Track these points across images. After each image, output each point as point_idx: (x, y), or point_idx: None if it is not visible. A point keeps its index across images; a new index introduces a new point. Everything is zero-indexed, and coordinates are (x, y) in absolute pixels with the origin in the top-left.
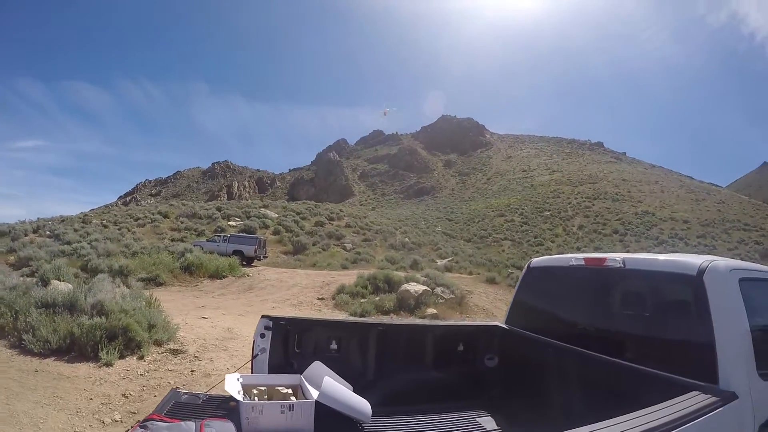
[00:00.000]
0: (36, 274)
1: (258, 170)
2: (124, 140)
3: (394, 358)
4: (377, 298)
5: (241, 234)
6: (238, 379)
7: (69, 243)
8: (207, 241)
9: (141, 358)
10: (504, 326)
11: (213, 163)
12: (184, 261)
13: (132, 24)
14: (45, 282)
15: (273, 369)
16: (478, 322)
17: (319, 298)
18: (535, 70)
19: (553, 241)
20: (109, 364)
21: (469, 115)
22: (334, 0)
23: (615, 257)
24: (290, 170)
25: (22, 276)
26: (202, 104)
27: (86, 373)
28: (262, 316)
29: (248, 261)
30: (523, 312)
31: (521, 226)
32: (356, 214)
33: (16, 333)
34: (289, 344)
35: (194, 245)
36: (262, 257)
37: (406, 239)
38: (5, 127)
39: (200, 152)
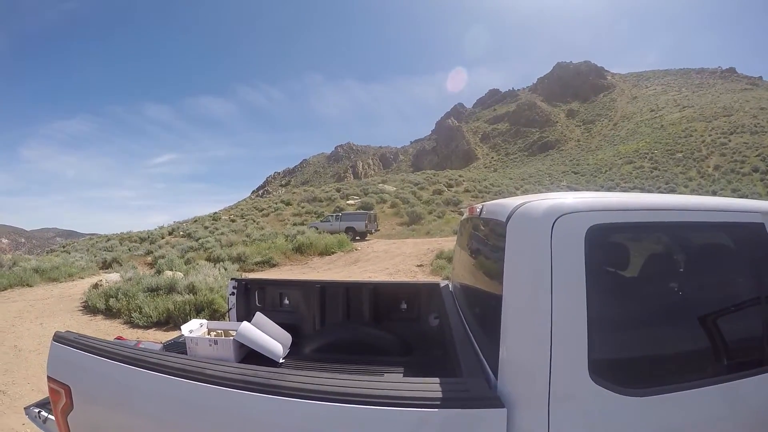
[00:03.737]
0: (154, 267)
1: (380, 147)
2: (251, 140)
3: (336, 313)
4: None
5: (352, 212)
6: (201, 324)
7: (198, 239)
8: (321, 221)
9: None
10: (443, 284)
11: (336, 147)
12: (296, 242)
13: (240, 34)
14: (159, 273)
15: (240, 319)
16: (420, 281)
17: (418, 266)
18: None
19: (686, 186)
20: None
21: (586, 59)
22: None
23: (481, 205)
24: (411, 142)
25: (155, 273)
26: (318, 94)
27: None
28: (231, 279)
29: (361, 236)
30: (453, 269)
31: (651, 172)
32: (476, 178)
33: (128, 312)
34: (251, 300)
35: (310, 226)
36: (373, 231)
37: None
38: (142, 149)
39: (323, 138)
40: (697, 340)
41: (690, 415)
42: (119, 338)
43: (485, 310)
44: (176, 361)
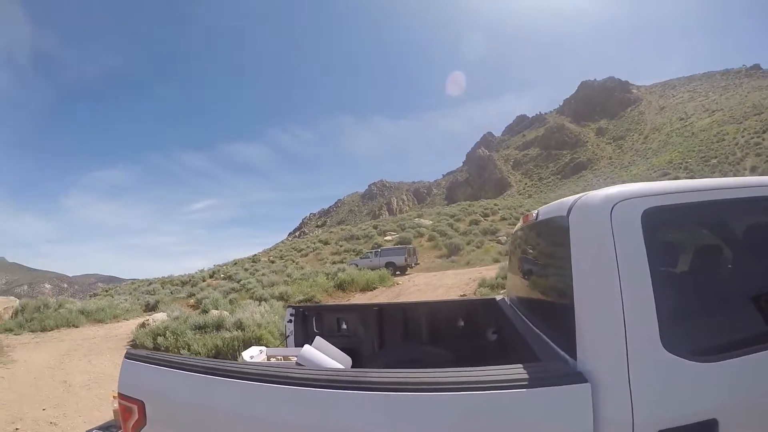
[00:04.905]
0: (200, 307)
1: (413, 182)
2: (285, 183)
3: (394, 334)
4: None
5: (391, 247)
6: (261, 351)
7: (239, 281)
8: (361, 258)
9: None
10: (499, 299)
11: (369, 185)
12: (337, 279)
13: (270, 81)
14: (206, 312)
15: (298, 345)
16: (476, 298)
17: (461, 296)
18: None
19: None
20: None
21: (610, 74)
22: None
23: (536, 210)
24: (444, 175)
25: (200, 312)
26: (349, 134)
27: None
28: (287, 306)
29: (401, 270)
30: (509, 282)
31: None
32: (511, 205)
33: (176, 350)
34: (309, 326)
35: (350, 264)
36: (413, 264)
37: None
38: (180, 196)
39: (356, 177)
40: (756, 308)
41: (757, 377)
42: None
43: (555, 303)
44: (258, 367)
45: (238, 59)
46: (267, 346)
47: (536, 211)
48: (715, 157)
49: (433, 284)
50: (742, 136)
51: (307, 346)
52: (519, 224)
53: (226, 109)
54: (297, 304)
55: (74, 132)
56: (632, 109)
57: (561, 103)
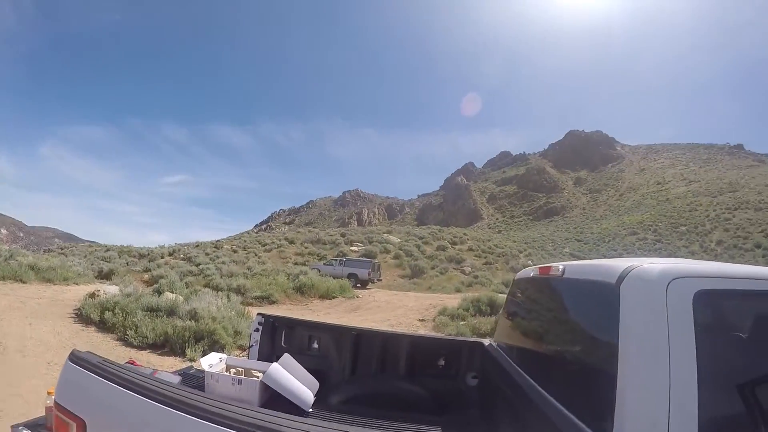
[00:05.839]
0: (155, 284)
1: (387, 197)
2: (262, 174)
3: (369, 363)
4: (476, 321)
5: (357, 258)
6: (221, 359)
7: (198, 265)
8: (324, 264)
9: None
10: (487, 344)
11: (344, 192)
12: (298, 282)
13: (269, 69)
14: (160, 293)
15: (262, 358)
16: (462, 338)
17: (420, 320)
18: (666, 70)
19: None
20: (192, 360)
21: (598, 128)
22: (451, 27)
23: (561, 265)
24: (419, 196)
25: (154, 292)
26: (334, 137)
27: (171, 364)
28: (257, 314)
29: (363, 284)
30: (505, 329)
31: (654, 245)
32: (480, 237)
33: (122, 329)
34: (277, 339)
35: (312, 268)
36: (376, 280)
37: (529, 262)
38: (154, 166)
39: (332, 182)
40: None
41: None
42: (131, 362)
43: (581, 369)
44: (231, 411)
45: (237, 43)
46: (220, 343)
47: (561, 266)
48: (685, 225)
49: (393, 303)
50: (714, 210)
51: (274, 366)
52: (530, 272)
53: (216, 89)
54: (267, 313)
55: (62, 81)
56: (613, 166)
57: (546, 147)
